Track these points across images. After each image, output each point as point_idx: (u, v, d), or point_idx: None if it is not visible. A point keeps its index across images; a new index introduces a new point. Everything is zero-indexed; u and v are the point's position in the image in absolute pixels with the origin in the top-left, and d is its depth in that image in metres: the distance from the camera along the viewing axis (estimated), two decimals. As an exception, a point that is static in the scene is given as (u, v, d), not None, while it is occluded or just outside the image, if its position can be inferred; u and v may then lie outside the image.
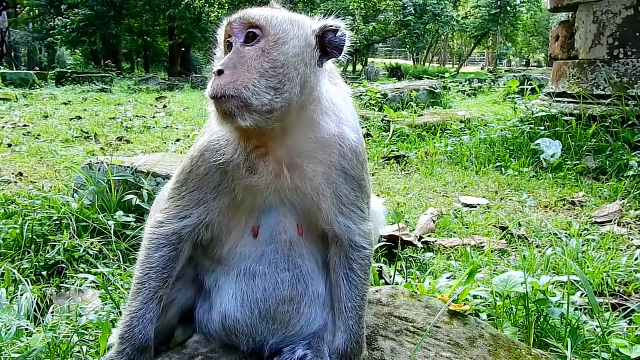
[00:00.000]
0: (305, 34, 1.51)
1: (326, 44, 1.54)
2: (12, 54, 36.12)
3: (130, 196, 3.32)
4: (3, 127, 8.90)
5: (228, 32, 1.53)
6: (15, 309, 2.09)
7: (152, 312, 1.59)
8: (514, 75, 16.82)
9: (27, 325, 1.84)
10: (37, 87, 17.77)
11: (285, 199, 1.61)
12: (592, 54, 6.27)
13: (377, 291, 2.18)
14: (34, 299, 2.24)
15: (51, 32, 31.80)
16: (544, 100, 6.86)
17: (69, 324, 2.01)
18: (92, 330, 2.03)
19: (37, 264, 2.83)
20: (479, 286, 2.52)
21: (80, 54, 36.17)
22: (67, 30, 30.06)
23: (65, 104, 13.24)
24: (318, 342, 1.69)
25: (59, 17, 31.02)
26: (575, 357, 2.03)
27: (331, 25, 1.54)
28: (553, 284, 2.42)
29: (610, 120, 5.75)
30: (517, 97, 7.94)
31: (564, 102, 6.48)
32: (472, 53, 51.53)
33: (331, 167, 1.59)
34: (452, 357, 1.83)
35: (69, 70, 22.15)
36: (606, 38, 6.12)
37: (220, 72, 1.43)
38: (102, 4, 30.66)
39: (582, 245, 3.31)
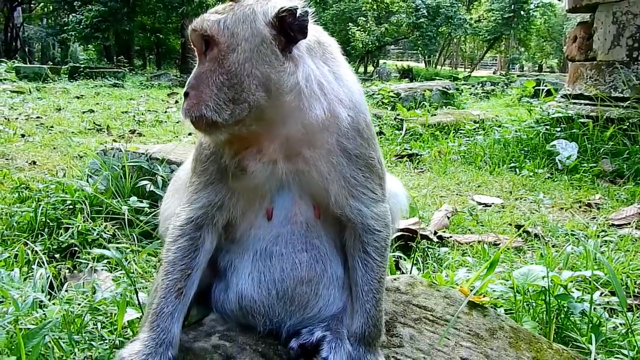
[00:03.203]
0: (257, 30, 1.41)
1: (287, 30, 1.41)
2: (26, 49, 36.53)
3: (144, 182, 3.31)
4: (17, 118, 8.96)
5: (193, 42, 1.50)
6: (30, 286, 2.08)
7: (171, 305, 1.53)
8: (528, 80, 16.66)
9: (43, 298, 1.82)
10: (50, 81, 17.90)
11: (293, 183, 1.57)
12: (611, 55, 6.19)
13: (395, 279, 2.14)
14: (49, 275, 2.23)
15: (65, 28, 32.08)
16: (560, 102, 6.78)
17: (84, 299, 1.99)
18: (107, 307, 2.01)
19: (50, 246, 2.83)
20: (495, 281, 2.47)
21: (93, 50, 36.46)
22: (81, 27, 30.27)
23: (78, 97, 13.33)
24: (337, 325, 1.64)
25: (73, 14, 31.26)
26: (598, 353, 1.98)
27: (284, 9, 1.39)
28: (572, 281, 2.37)
29: (628, 123, 5.66)
30: (532, 100, 7.85)
31: (581, 104, 6.39)
32: (484, 57, 51.25)
33: (332, 149, 1.53)
34: (472, 347, 1.79)
35: (82, 65, 22.28)
36: (626, 39, 6.04)
37: (186, 95, 1.45)
38: (115, 0, 30.86)
39: (600, 246, 3.25)
